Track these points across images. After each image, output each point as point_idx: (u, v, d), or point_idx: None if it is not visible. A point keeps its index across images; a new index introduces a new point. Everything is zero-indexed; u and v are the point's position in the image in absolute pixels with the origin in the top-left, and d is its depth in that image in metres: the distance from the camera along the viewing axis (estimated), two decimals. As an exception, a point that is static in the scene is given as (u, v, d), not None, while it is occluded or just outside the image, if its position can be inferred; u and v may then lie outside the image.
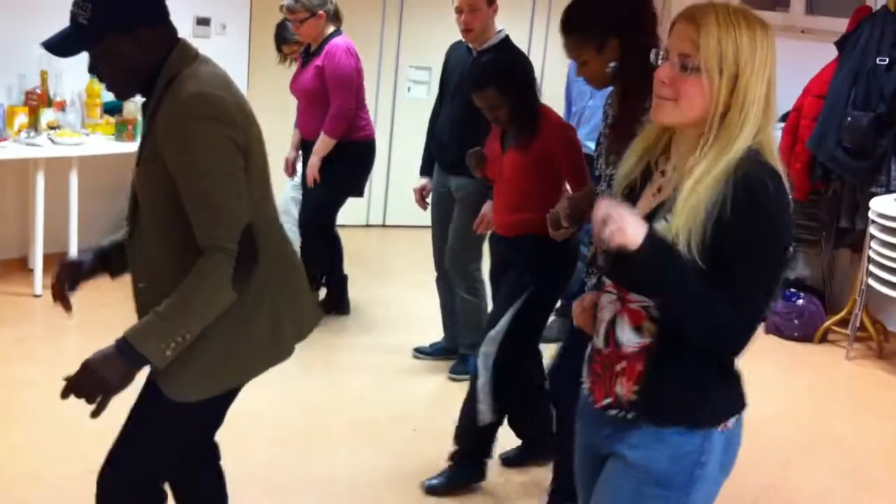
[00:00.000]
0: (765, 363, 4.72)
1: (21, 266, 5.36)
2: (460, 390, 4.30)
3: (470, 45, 4.20)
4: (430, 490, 3.38)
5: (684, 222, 1.67)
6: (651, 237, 1.66)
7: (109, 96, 5.42)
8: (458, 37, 4.24)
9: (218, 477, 2.50)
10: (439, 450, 3.51)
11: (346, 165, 4.77)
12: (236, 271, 1.97)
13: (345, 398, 4.19)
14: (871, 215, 4.84)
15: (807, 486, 3.73)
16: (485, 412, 3.23)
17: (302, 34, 4.80)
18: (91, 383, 1.98)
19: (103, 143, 5.23)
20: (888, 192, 5.01)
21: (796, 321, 5.39)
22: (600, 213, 1.67)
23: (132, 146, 5.30)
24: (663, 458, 1.79)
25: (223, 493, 2.51)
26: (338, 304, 5.15)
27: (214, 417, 2.28)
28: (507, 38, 4.18)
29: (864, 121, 5.08)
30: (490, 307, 3.61)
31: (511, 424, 3.57)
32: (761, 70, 1.72)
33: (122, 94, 2.17)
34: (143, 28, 2.02)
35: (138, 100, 5.78)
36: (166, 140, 1.98)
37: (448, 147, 4.26)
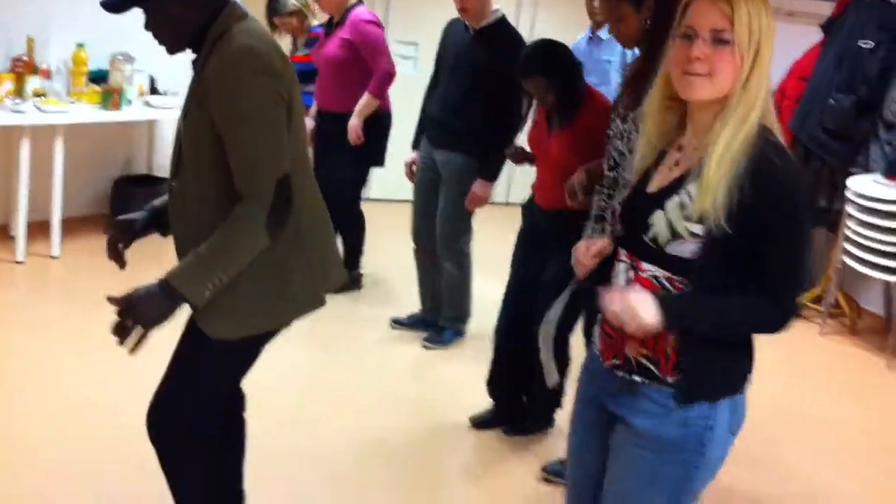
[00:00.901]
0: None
1: (2, 233, 5.37)
2: (440, 359, 4.36)
3: (467, 24, 4.24)
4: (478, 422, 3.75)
5: (711, 198, 1.76)
6: (663, 306, 1.78)
7: (95, 65, 5.43)
8: (453, 13, 4.26)
9: (241, 426, 2.63)
10: (422, 419, 3.57)
11: (371, 138, 4.85)
12: (270, 219, 2.10)
13: (327, 368, 4.23)
14: (848, 195, 4.90)
15: (779, 459, 3.81)
16: (552, 375, 3.37)
17: (323, 6, 4.93)
18: (131, 316, 2.09)
19: (88, 112, 5.23)
20: (866, 172, 5.07)
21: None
22: (609, 312, 1.80)
23: (117, 115, 5.32)
24: (673, 426, 1.88)
25: (243, 442, 2.62)
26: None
27: (248, 360, 2.39)
28: (503, 18, 4.24)
29: (847, 103, 5.13)
30: (511, 270, 3.68)
31: (526, 395, 3.74)
32: (772, 43, 1.82)
33: (172, 49, 2.23)
34: None
35: (125, 69, 5.71)
36: (215, 91, 2.08)
37: (439, 122, 4.33)
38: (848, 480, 3.74)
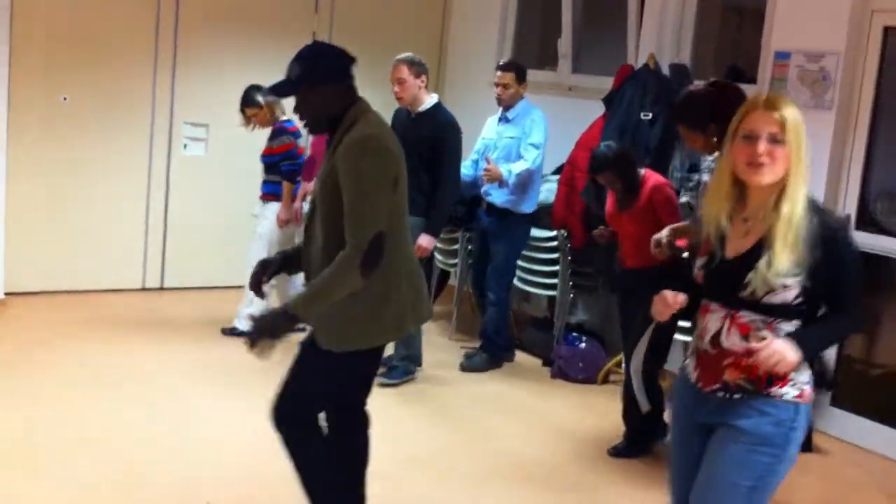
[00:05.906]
0: (555, 406, 4.84)
1: None
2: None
3: (408, 109, 5.24)
4: (615, 452, 4.53)
5: (787, 257, 2.37)
6: (798, 345, 2.38)
7: None
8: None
9: (366, 440, 3.25)
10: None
11: None
12: (364, 264, 2.82)
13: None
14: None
15: None
16: (644, 403, 4.31)
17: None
18: (261, 330, 2.81)
19: None
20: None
21: (580, 364, 5.60)
22: (771, 361, 2.36)
23: None
24: (768, 425, 2.47)
25: (367, 452, 3.25)
26: None
27: (355, 373, 3.10)
28: (438, 103, 5.25)
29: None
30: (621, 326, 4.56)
31: (631, 422, 4.56)
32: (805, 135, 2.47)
33: (314, 130, 3.10)
34: (330, 85, 2.94)
35: None
36: (342, 164, 2.85)
37: None
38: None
